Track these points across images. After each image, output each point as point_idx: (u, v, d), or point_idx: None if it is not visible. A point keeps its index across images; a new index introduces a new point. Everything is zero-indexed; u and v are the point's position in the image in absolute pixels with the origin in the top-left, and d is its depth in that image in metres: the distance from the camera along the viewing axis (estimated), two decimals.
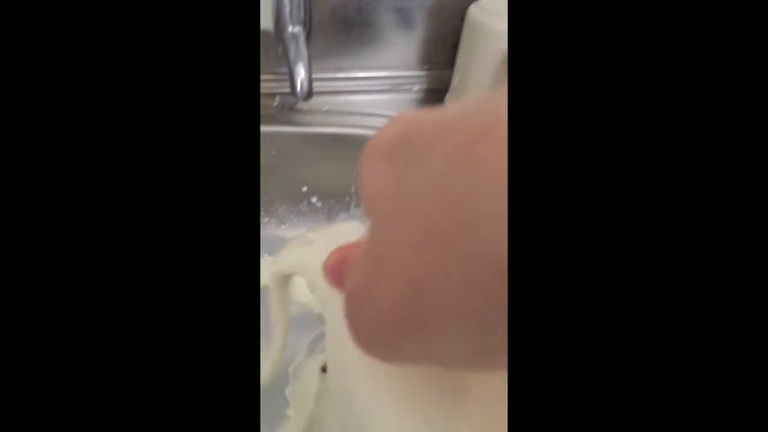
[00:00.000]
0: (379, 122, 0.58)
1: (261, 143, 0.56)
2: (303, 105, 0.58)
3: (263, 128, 0.56)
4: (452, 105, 0.13)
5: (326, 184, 0.60)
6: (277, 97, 0.58)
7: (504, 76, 0.50)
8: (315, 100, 0.58)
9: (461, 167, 0.10)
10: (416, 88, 0.63)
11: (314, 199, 0.61)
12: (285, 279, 0.29)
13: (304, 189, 0.60)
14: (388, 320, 0.12)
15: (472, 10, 0.54)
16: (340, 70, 0.62)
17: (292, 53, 0.48)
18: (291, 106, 0.58)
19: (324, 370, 0.47)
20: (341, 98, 0.61)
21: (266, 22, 0.53)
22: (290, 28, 0.48)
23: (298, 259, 0.25)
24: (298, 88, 0.48)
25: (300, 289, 0.43)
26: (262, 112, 0.57)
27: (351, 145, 0.58)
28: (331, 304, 0.20)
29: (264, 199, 0.60)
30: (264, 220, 0.61)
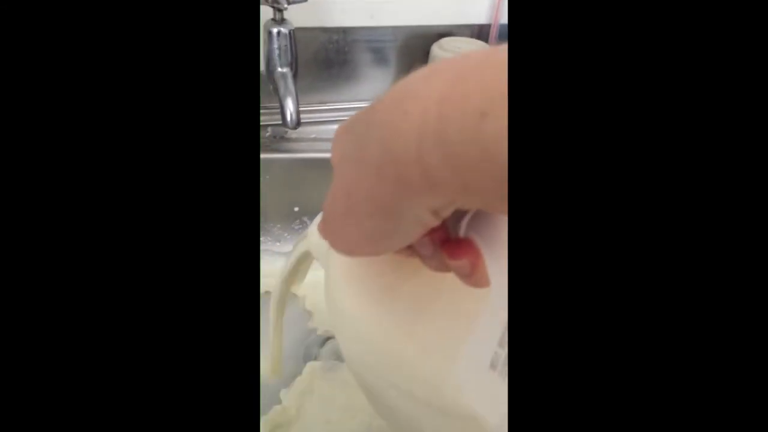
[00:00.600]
0: None
1: None
2: (292, 134, 0.65)
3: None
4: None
5: (315, 204, 0.65)
6: (269, 128, 0.65)
7: None
8: (303, 130, 0.64)
9: (365, 124, 0.17)
10: None
11: (305, 218, 0.66)
12: (295, 273, 0.35)
13: (296, 209, 0.66)
14: (336, 216, 0.19)
15: (434, 48, 0.63)
16: (323, 102, 0.69)
17: (281, 90, 0.55)
18: (281, 135, 0.65)
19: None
20: (325, 127, 0.67)
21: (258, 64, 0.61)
22: (279, 69, 0.56)
23: (303, 243, 0.31)
24: (288, 119, 0.55)
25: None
26: None
27: None
28: (329, 256, 0.26)
29: (260, 218, 0.66)
30: (261, 239, 0.67)
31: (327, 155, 0.64)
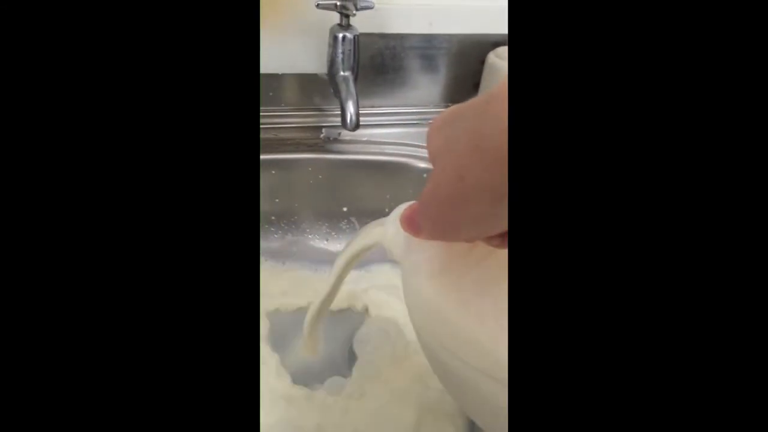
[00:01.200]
0: (410, 151, 0.66)
1: (310, 169, 0.65)
2: (345, 136, 0.67)
3: (312, 155, 0.64)
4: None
5: (363, 204, 0.67)
6: (323, 130, 0.67)
7: None
8: (355, 132, 0.66)
9: (478, 116, 0.18)
10: None
11: (353, 218, 0.68)
12: (357, 256, 0.37)
13: (345, 209, 0.68)
14: (441, 201, 0.20)
15: (491, 56, 0.64)
16: (375, 107, 0.71)
17: (343, 93, 0.57)
18: (334, 137, 0.67)
19: None
20: (377, 131, 0.69)
21: (321, 67, 0.62)
22: (342, 72, 0.58)
23: (377, 232, 0.33)
24: (348, 121, 0.56)
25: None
26: (311, 142, 0.66)
27: (385, 170, 0.66)
28: (404, 252, 0.29)
29: (310, 217, 0.68)
30: (309, 236, 0.69)
31: (378, 158, 0.67)
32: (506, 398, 0.17)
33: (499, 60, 0.62)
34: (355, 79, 0.59)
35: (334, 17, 0.56)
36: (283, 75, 0.65)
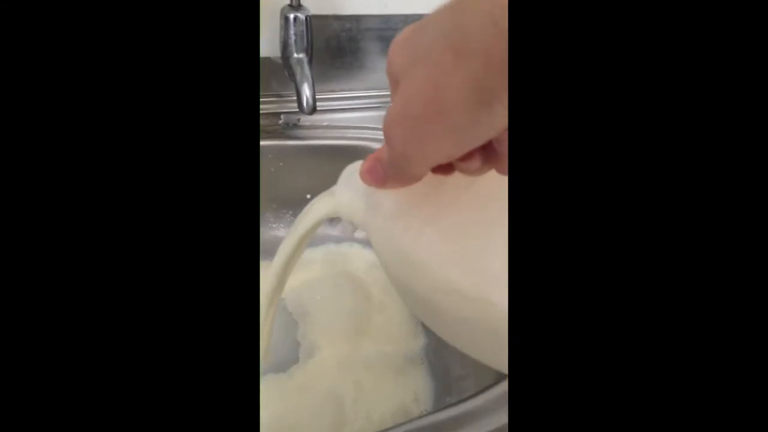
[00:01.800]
0: (371, 134, 0.66)
1: (270, 156, 0.64)
2: (305, 122, 0.66)
3: (272, 142, 0.63)
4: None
5: (326, 190, 0.67)
6: (282, 116, 0.66)
7: None
8: (315, 118, 0.65)
9: (453, 18, 0.17)
10: None
11: None
12: (308, 236, 0.35)
13: (308, 196, 0.67)
14: (417, 115, 0.19)
15: None
16: (334, 91, 0.70)
17: (297, 75, 0.56)
18: (294, 123, 0.66)
19: None
20: (337, 116, 0.68)
21: (274, 51, 0.61)
22: (295, 55, 0.57)
23: (328, 203, 0.32)
24: (305, 104, 0.55)
25: None
26: (270, 128, 0.65)
27: (347, 154, 0.65)
28: (367, 215, 0.28)
29: (273, 206, 0.67)
30: (272, 225, 0.68)
31: (339, 142, 0.67)
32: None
33: None
34: (310, 61, 0.58)
35: None
36: None
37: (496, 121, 0.18)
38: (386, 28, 0.67)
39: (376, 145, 0.65)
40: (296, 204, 0.67)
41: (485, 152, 0.21)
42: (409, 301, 0.28)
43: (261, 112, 0.67)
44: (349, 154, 0.65)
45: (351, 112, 0.70)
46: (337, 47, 0.67)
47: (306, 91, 0.55)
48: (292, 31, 0.55)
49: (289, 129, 0.65)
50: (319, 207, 0.33)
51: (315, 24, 0.59)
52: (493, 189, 0.24)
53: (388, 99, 0.21)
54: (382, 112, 0.72)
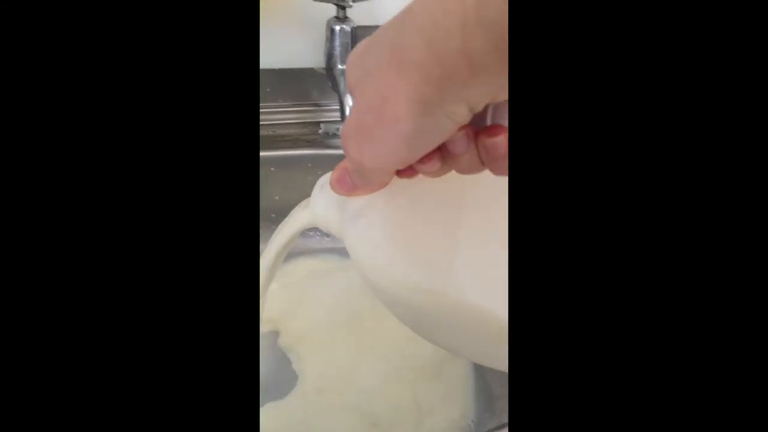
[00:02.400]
0: None
1: (309, 165, 0.64)
2: None
3: (311, 151, 0.64)
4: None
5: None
6: (322, 125, 0.66)
7: None
8: None
9: (395, 33, 0.19)
10: None
11: None
12: (283, 252, 0.34)
13: None
14: (369, 126, 0.20)
15: None
16: None
17: (341, 87, 0.56)
18: (334, 132, 0.66)
19: None
20: None
21: (318, 62, 0.62)
22: (339, 66, 0.57)
23: (303, 217, 0.32)
24: (347, 114, 0.56)
25: None
26: (310, 137, 0.65)
27: None
28: (341, 224, 0.28)
29: None
30: (309, 233, 0.68)
31: None
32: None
33: None
34: None
35: (331, 10, 0.55)
36: (280, 70, 0.65)
37: (442, 128, 0.19)
38: None
39: None
40: None
41: (442, 154, 0.22)
42: (388, 302, 0.28)
43: (301, 121, 0.67)
44: None
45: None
46: None
47: (349, 101, 0.56)
48: (337, 42, 0.56)
49: (328, 138, 0.65)
50: (295, 219, 0.33)
51: (360, 35, 0.59)
52: (463, 191, 0.25)
53: None
54: None
